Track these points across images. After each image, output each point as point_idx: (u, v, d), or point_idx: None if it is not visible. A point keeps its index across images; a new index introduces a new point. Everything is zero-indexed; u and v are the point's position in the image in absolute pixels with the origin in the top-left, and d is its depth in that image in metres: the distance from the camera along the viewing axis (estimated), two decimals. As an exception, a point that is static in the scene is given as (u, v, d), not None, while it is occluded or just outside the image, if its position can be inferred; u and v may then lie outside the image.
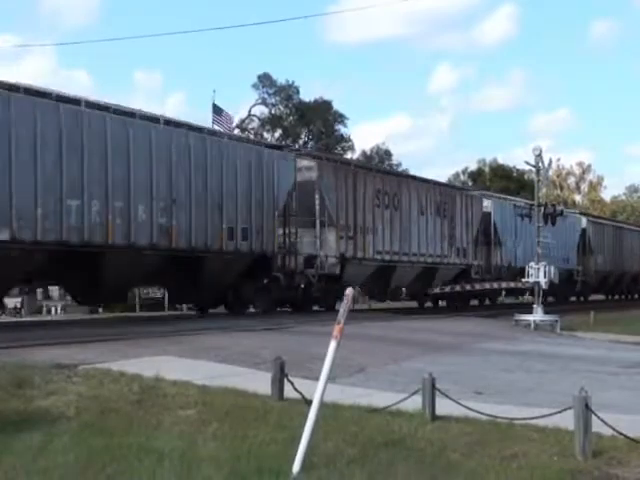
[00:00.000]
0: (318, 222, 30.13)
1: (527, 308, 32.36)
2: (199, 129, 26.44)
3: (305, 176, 30.02)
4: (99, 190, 21.57)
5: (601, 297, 59.97)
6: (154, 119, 24.21)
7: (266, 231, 27.41)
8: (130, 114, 23.24)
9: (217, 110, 47.04)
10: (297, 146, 75.55)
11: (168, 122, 24.73)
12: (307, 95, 78.40)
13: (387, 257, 33.87)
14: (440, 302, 41.84)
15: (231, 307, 27.54)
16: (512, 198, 50.60)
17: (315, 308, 30.69)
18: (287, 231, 29.33)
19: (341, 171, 32.35)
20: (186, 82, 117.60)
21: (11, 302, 32.93)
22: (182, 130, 24.92)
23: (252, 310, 28.45)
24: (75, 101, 21.73)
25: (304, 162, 30.59)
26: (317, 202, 30.17)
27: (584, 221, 53.31)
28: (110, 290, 23.46)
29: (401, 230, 34.63)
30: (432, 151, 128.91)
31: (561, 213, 36.81)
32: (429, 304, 40.87)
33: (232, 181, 26.17)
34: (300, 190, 29.37)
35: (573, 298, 53.54)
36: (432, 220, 36.85)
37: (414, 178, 39.03)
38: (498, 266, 41.89)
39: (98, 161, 21.59)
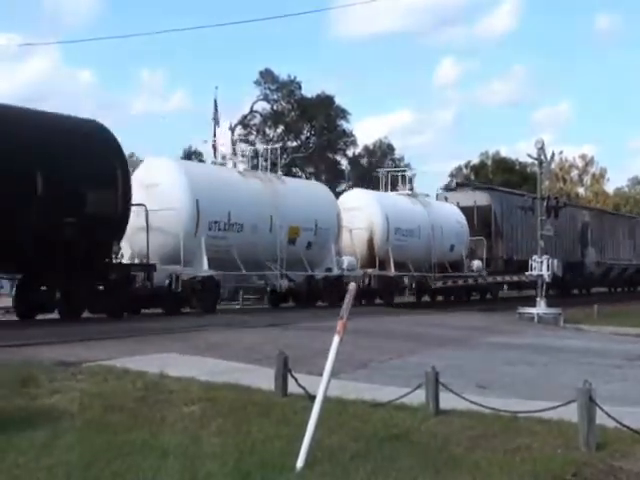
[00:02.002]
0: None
1: (529, 301, 32.38)
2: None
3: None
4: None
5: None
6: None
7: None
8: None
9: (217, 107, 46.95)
10: (299, 142, 75.90)
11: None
12: (309, 91, 78.46)
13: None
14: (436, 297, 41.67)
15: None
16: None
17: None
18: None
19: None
20: (189, 79, 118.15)
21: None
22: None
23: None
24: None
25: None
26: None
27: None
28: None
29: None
30: (435, 145, 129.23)
31: (564, 205, 36.83)
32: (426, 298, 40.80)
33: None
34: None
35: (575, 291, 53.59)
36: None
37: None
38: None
39: None
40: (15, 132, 19.48)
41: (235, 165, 30.94)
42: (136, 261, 24.58)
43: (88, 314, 21.95)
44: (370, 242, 33.98)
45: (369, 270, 33.59)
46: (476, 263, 39.72)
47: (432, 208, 38.74)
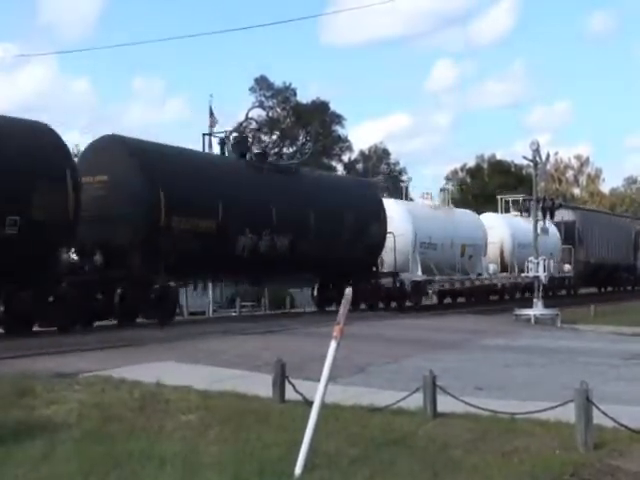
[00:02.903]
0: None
1: (526, 302, 32.42)
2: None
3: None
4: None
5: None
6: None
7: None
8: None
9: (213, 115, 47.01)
10: (295, 148, 75.89)
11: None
12: (304, 97, 78.63)
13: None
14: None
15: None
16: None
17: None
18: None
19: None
20: (185, 87, 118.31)
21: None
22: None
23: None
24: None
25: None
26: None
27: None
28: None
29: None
30: (432, 149, 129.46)
31: (560, 206, 37.05)
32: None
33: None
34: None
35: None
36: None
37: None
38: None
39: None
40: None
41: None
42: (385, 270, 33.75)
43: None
44: (501, 253, 44.98)
45: (502, 274, 44.07)
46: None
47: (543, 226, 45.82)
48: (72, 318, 20.95)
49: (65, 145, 21.63)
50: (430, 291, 38.15)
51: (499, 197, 51.34)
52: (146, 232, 22.48)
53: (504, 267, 44.39)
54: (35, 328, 20.57)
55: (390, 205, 35.02)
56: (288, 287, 38.16)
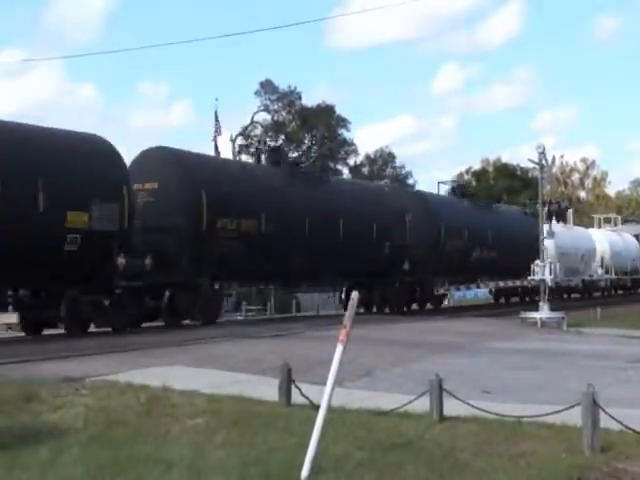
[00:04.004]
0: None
1: (532, 306, 32.35)
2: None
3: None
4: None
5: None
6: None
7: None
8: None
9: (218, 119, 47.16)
10: (301, 152, 76.06)
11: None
12: (310, 100, 78.70)
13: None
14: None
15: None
16: None
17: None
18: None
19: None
20: (191, 91, 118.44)
21: (17, 317, 32.89)
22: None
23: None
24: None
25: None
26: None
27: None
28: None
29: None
30: (438, 152, 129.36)
31: (566, 209, 37.13)
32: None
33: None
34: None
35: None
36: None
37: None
38: None
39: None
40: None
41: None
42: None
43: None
44: (602, 259, 55.65)
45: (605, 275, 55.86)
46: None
47: (625, 237, 61.91)
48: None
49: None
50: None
51: (595, 216, 66.73)
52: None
53: (606, 270, 56.10)
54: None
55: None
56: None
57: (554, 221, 48.61)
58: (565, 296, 51.18)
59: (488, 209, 42.70)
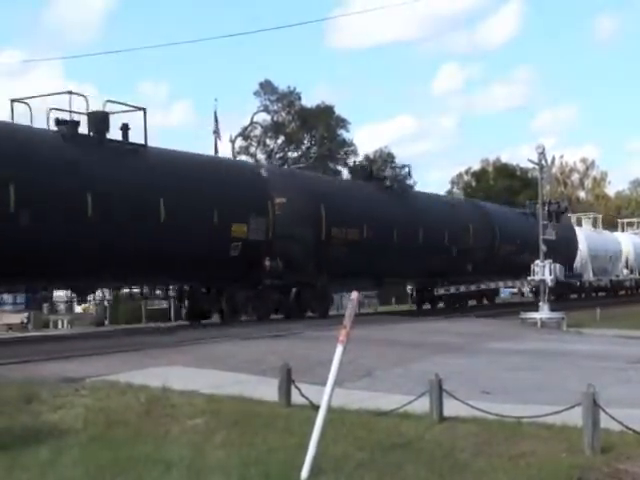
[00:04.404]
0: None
1: (531, 306, 32.35)
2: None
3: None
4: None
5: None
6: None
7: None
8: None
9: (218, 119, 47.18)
10: (300, 152, 76.10)
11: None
12: (309, 101, 78.59)
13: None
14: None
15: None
16: None
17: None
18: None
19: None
20: (191, 91, 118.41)
21: (18, 317, 33.04)
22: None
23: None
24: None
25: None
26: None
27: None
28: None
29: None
30: (437, 153, 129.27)
31: (565, 210, 37.16)
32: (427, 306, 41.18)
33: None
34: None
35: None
36: None
37: None
38: None
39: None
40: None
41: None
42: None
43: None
44: (626, 261, 60.00)
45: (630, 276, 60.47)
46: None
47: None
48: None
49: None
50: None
51: (619, 220, 70.71)
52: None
53: (630, 271, 60.46)
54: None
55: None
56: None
57: (584, 225, 58.29)
58: (593, 295, 56.24)
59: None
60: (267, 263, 27.16)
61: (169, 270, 24.52)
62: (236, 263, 25.79)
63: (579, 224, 57.64)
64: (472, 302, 42.47)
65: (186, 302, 28.25)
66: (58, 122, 22.13)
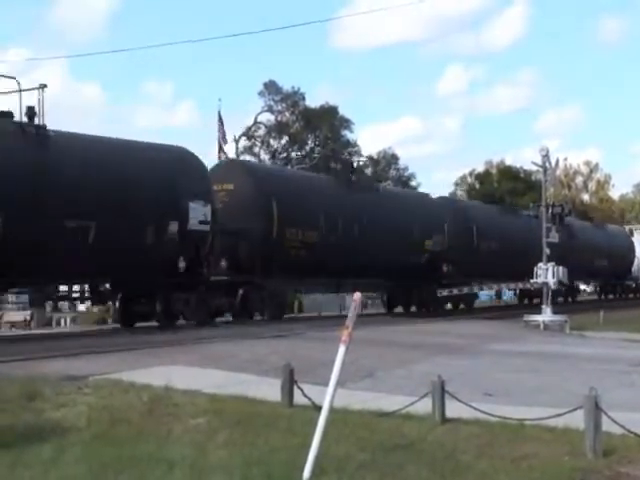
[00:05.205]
0: None
1: (534, 309, 32.35)
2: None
3: None
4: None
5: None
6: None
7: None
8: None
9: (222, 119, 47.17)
10: (304, 153, 76.03)
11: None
12: (313, 101, 78.58)
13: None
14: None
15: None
16: None
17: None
18: None
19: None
20: (195, 91, 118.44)
21: (21, 315, 33.14)
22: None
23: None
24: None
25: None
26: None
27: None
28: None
29: None
30: (441, 154, 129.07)
31: (569, 213, 37.05)
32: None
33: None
34: None
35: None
36: None
37: None
38: None
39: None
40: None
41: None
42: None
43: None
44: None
45: None
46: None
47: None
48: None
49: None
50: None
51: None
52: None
53: None
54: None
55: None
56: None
57: (635, 234, 65.19)
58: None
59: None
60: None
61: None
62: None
63: (631, 233, 66.01)
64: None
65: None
66: None
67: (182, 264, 23.55)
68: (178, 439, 8.63)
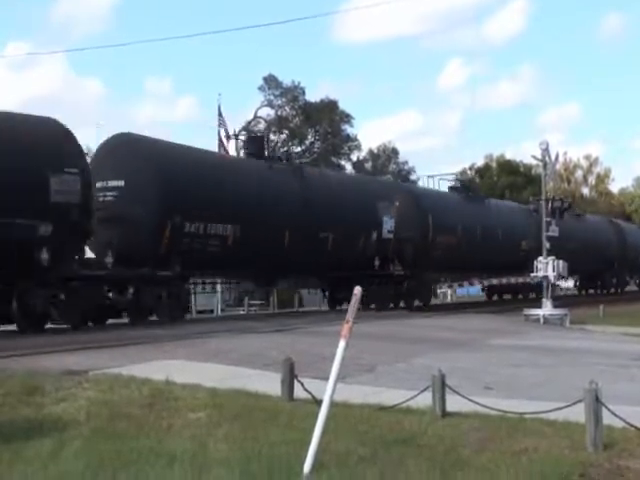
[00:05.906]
0: None
1: (534, 303, 32.36)
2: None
3: None
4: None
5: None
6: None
7: None
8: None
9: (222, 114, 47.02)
10: (304, 147, 75.97)
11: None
12: (313, 95, 78.53)
13: None
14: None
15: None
16: None
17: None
18: None
19: None
20: (195, 86, 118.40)
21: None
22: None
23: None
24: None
25: None
26: None
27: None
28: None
29: None
30: (441, 148, 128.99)
31: (569, 207, 37.00)
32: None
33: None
34: None
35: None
36: None
37: None
38: None
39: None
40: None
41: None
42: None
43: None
44: None
45: None
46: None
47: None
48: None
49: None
50: None
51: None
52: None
53: None
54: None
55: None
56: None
57: None
58: None
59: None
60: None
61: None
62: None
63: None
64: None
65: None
66: None
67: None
68: (178, 433, 8.63)
